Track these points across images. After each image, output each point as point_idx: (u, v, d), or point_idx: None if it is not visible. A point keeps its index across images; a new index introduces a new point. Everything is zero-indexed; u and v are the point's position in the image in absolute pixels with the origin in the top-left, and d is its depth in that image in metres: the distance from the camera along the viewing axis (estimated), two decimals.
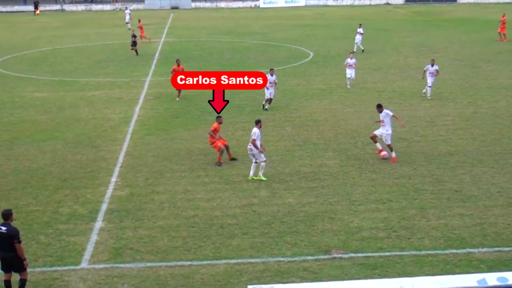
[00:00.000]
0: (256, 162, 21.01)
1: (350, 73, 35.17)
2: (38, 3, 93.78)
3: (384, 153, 22.70)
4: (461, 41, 53.69)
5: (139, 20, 58.49)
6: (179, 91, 32.35)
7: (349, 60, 34.96)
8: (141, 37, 55.01)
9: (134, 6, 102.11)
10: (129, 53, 49.93)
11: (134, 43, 48.49)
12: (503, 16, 53.69)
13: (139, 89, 36.02)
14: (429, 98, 31.88)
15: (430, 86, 32.02)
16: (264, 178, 20.84)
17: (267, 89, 29.81)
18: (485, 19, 67.75)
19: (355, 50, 46.85)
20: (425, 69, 32.35)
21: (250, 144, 20.97)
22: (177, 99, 32.55)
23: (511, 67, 41.22)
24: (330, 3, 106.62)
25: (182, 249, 16.23)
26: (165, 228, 17.48)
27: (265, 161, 21.00)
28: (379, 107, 23.10)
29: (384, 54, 47.71)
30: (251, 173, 21.07)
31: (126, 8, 72.87)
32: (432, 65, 31.91)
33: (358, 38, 49.10)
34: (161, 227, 17.52)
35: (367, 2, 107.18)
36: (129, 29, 66.09)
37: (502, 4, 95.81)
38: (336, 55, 46.42)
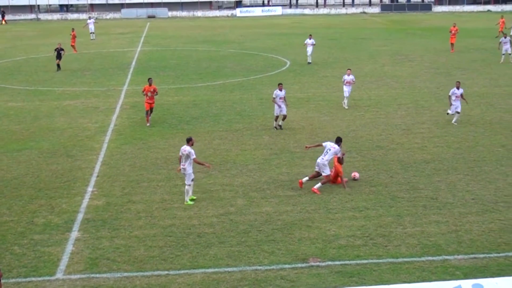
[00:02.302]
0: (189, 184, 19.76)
1: (347, 90, 32.25)
2: (4, 12, 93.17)
3: (354, 173, 22.11)
4: (436, 50, 54.20)
5: (73, 29, 57.49)
6: (148, 113, 29.50)
7: (346, 77, 32.26)
8: (72, 46, 54.86)
9: (111, 15, 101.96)
10: (105, 62, 49.77)
11: (59, 55, 45.68)
12: (454, 26, 53.84)
13: (116, 98, 35.85)
14: (456, 124, 28.82)
15: (458, 112, 28.78)
16: (191, 203, 19.69)
17: (278, 106, 28.11)
18: (460, 28, 68.32)
19: (309, 62, 47.12)
20: (450, 93, 28.95)
21: (183, 163, 19.57)
22: (148, 124, 29.36)
23: (485, 75, 41.66)
24: (307, 12, 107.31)
25: (159, 258, 16.13)
26: (141, 237, 17.36)
27: (190, 186, 19.67)
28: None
29: (361, 62, 47.98)
30: (188, 196, 19.92)
31: (90, 18, 71.80)
32: (458, 88, 28.66)
33: (310, 49, 47.64)
34: (138, 237, 17.40)
35: (344, 11, 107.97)
36: (92, 39, 65.79)
37: (476, 13, 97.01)
38: (313, 64, 46.63)
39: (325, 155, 20.87)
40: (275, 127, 28.39)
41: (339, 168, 21.13)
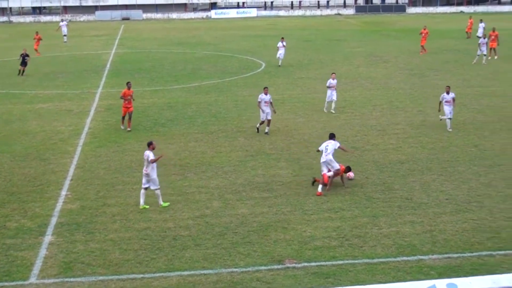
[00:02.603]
0: (145, 189, 19.47)
1: (331, 95, 31.50)
2: None
3: (349, 173, 21.89)
4: (410, 51, 54.55)
5: (37, 32, 56.88)
6: (124, 118, 28.95)
7: (331, 81, 31.41)
8: (35, 49, 54.45)
9: (85, 17, 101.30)
10: (79, 65, 49.42)
11: (23, 62, 44.08)
12: (424, 29, 54.00)
13: (90, 101, 35.60)
14: (450, 130, 27.90)
15: (450, 118, 27.92)
16: (166, 204, 19.57)
17: (263, 111, 27.52)
18: (433, 29, 68.88)
19: (279, 65, 46.79)
20: (440, 99, 28.18)
21: (145, 169, 19.32)
22: (128, 128, 28.69)
23: (458, 76, 42.03)
24: (282, 13, 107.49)
25: (134, 262, 16.02)
26: (116, 241, 17.24)
27: (159, 189, 19.54)
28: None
29: (335, 64, 48.14)
30: (142, 201, 19.54)
31: (62, 20, 70.99)
32: (448, 93, 27.81)
33: (281, 52, 47.09)
34: (113, 240, 17.27)
35: (318, 13, 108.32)
36: (65, 42, 65.24)
37: (449, 14, 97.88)
38: (288, 65, 46.66)
39: (326, 153, 20.93)
40: (257, 128, 28.11)
41: (342, 167, 21.19)
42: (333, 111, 31.47)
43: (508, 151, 24.75)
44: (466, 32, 64.20)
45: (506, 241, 16.80)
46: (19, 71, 44.28)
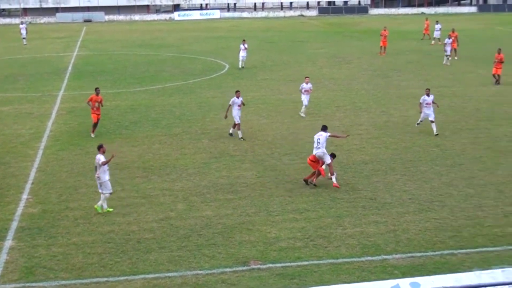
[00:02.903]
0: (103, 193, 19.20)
1: (305, 99, 31.01)
2: None
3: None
4: (373, 52, 54.99)
5: None
6: (95, 125, 28.10)
7: (304, 85, 30.95)
8: None
9: (45, 19, 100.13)
10: (40, 67, 48.81)
11: None
12: (384, 30, 54.25)
13: (51, 104, 35.16)
14: (437, 134, 27.26)
15: (433, 121, 27.41)
16: (110, 210, 19.16)
17: (236, 113, 27.09)
18: (395, 30, 69.67)
19: (242, 66, 46.56)
20: (421, 101, 27.77)
21: (97, 172, 19.09)
22: (92, 135, 27.85)
23: (420, 77, 42.50)
24: (245, 15, 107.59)
25: (98, 265, 15.85)
26: (80, 244, 17.04)
27: (110, 193, 19.25)
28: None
29: (299, 65, 48.31)
30: (104, 205, 19.24)
31: (22, 23, 69.85)
32: (428, 95, 27.45)
33: (243, 54, 46.80)
34: (76, 244, 17.07)
35: (281, 14, 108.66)
36: (25, 44, 64.34)
37: (411, 15, 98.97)
38: (252, 67, 46.68)
39: (318, 145, 21.12)
40: (230, 134, 27.53)
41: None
42: (303, 115, 31.11)
43: (468, 151, 25.10)
44: (424, 34, 64.94)
45: (467, 239, 17.02)
46: None
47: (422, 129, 28.43)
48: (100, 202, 19.24)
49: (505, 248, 16.49)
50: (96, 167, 19.25)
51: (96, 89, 28.49)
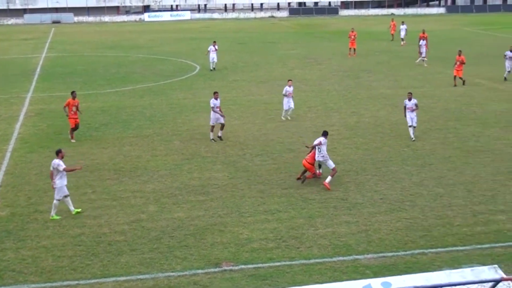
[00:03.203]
0: (66, 196, 18.96)
1: (288, 103, 30.54)
2: None
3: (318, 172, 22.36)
4: (343, 53, 55.27)
5: None
6: (73, 130, 27.55)
7: (288, 88, 30.39)
8: None
9: (13, 20, 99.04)
10: (7, 69, 48.24)
11: None
12: (352, 31, 54.26)
13: (19, 106, 34.76)
14: (413, 139, 26.74)
15: (413, 126, 26.91)
16: (57, 217, 18.76)
17: (220, 115, 27.09)
18: (365, 31, 70.17)
19: (214, 68, 46.21)
20: (404, 104, 27.19)
21: (55, 178, 18.77)
22: (73, 140, 27.24)
23: (390, 77, 42.81)
24: (216, 16, 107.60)
25: (68, 268, 15.70)
26: (49, 247, 16.86)
27: (58, 201, 18.79)
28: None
29: (270, 66, 48.41)
30: (71, 208, 19.06)
31: None
32: (410, 99, 26.83)
33: (213, 56, 46.45)
34: (46, 247, 16.88)
35: (252, 15, 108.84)
36: None
37: (381, 17, 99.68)
38: (223, 68, 46.63)
39: (319, 151, 21.32)
40: (213, 140, 27.05)
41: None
42: (289, 118, 30.69)
43: (438, 151, 25.34)
44: (392, 34, 65.45)
45: (437, 239, 17.18)
46: None
47: (393, 129, 28.66)
48: (72, 207, 19.02)
49: (474, 247, 16.67)
50: (52, 172, 18.87)
51: (73, 92, 27.92)
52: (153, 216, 18.89)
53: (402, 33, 61.19)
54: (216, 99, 27.25)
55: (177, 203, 19.93)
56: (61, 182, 18.81)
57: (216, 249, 16.68)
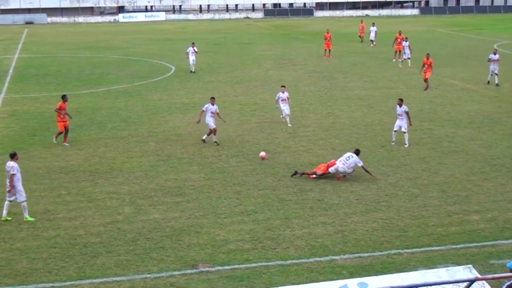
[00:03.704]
0: (10, 201, 18.60)
1: (285, 108, 29.70)
2: None
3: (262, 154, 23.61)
4: (319, 54, 55.43)
5: None
6: (64, 134, 26.89)
7: (281, 95, 29.67)
8: None
9: None
10: None
11: None
12: (327, 33, 54.19)
13: None
14: (407, 145, 26.14)
15: (405, 132, 26.28)
16: (31, 219, 18.52)
17: (210, 119, 26.55)
18: (340, 32, 70.46)
19: (193, 71, 45.54)
20: (398, 112, 26.45)
21: (10, 182, 18.42)
22: (66, 144, 26.58)
23: (365, 78, 43.04)
24: (191, 17, 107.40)
25: (43, 270, 15.55)
26: (23, 250, 16.69)
27: (25, 201, 18.59)
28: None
29: (245, 67, 48.42)
30: (4, 213, 18.65)
31: None
32: (400, 106, 26.23)
33: (193, 58, 45.74)
34: (20, 249, 16.71)
35: (227, 16, 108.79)
36: None
37: (355, 18, 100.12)
38: (198, 69, 46.49)
39: (345, 165, 21.98)
40: (203, 140, 26.72)
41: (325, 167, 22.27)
42: (289, 125, 29.63)
43: (413, 151, 25.51)
44: (359, 36, 65.60)
45: (413, 239, 17.30)
46: None
47: (368, 129, 28.82)
48: (26, 214, 18.67)
49: (449, 247, 16.81)
50: (7, 175, 18.57)
51: (64, 96, 27.34)
52: (129, 218, 18.79)
53: (372, 35, 61.40)
54: (212, 104, 26.67)
55: (153, 205, 19.85)
56: (18, 184, 18.51)
57: (192, 250, 16.64)
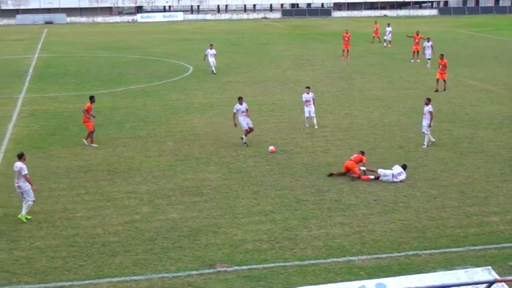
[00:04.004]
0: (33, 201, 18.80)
1: (308, 110, 29.22)
2: None
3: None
4: (336, 54, 55.31)
5: None
6: (92, 133, 26.79)
7: (306, 95, 29.23)
8: None
9: (5, 21, 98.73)
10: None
11: None
12: (346, 33, 54.06)
13: (12, 107, 34.64)
14: (424, 146, 26.06)
15: (425, 132, 26.11)
16: (29, 217, 18.64)
17: (240, 122, 26.36)
18: (357, 33, 70.19)
19: (214, 72, 45.30)
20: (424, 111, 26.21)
21: (17, 181, 18.57)
22: (95, 145, 26.56)
23: (383, 79, 42.88)
24: (209, 17, 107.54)
25: (62, 269, 15.67)
26: (43, 248, 16.82)
27: (33, 201, 18.72)
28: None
29: (263, 67, 48.42)
30: (24, 213, 18.68)
31: None
32: (427, 104, 25.99)
33: (213, 59, 45.50)
34: (39, 248, 16.84)
35: (245, 17, 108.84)
36: None
37: (373, 18, 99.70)
38: (216, 69, 46.54)
39: (397, 178, 21.97)
40: (244, 142, 26.43)
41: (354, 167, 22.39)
42: (316, 126, 29.28)
43: (431, 152, 25.39)
44: (373, 37, 65.26)
45: (431, 240, 17.22)
46: None
47: (386, 130, 28.71)
48: (24, 212, 18.71)
49: (467, 248, 16.72)
50: (16, 174, 18.66)
51: (92, 97, 27.30)
52: (147, 217, 18.87)
53: (388, 36, 61.11)
54: (241, 103, 26.40)
55: (171, 204, 19.92)
56: (25, 185, 18.56)
57: (210, 250, 16.68)
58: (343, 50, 53.72)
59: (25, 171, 18.53)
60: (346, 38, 53.34)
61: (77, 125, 30.01)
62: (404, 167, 22.38)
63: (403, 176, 21.97)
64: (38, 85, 41.17)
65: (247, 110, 26.66)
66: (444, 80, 38.19)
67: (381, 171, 22.15)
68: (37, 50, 61.72)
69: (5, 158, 25.04)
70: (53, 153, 25.57)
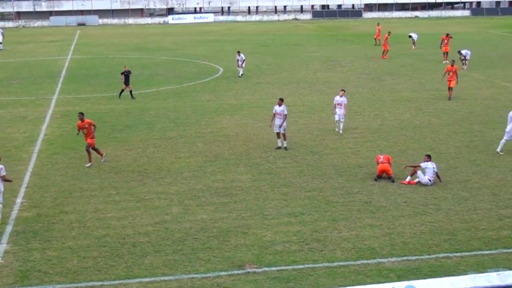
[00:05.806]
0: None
1: (338, 114, 28.42)
2: None
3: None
4: (367, 55, 55.11)
5: None
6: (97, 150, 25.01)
7: (338, 98, 28.38)
8: None
9: (39, 23, 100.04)
10: (33, 71, 48.76)
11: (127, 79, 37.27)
12: (388, 34, 53.96)
13: (45, 107, 35.10)
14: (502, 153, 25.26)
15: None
16: None
17: (276, 121, 25.81)
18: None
19: (242, 74, 44.91)
20: None
21: None
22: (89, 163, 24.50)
23: (413, 80, 42.59)
24: (239, 19, 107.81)
25: (93, 269, 15.81)
26: (75, 248, 16.99)
27: (1, 203, 18.60)
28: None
29: (293, 68, 48.38)
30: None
31: None
32: None
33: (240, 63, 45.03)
34: (71, 248, 17.02)
35: (276, 18, 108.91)
36: (1, 49, 63.79)
37: (404, 19, 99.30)
38: (246, 71, 46.60)
39: (429, 175, 21.79)
40: (279, 147, 26.11)
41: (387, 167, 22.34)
42: (341, 131, 28.63)
43: (463, 154, 25.16)
44: (375, 39, 64.09)
45: (462, 243, 17.05)
46: (122, 90, 37.72)
47: (416, 132, 28.51)
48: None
49: (500, 251, 16.52)
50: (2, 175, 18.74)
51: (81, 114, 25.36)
52: (176, 218, 18.96)
53: (414, 37, 61.15)
54: (279, 105, 25.75)
55: (200, 205, 19.99)
56: (1, 186, 18.67)
57: (239, 251, 16.70)
58: (383, 50, 53.79)
59: (4, 172, 18.68)
60: (386, 39, 53.48)
61: (108, 126, 30.33)
62: (429, 157, 22.22)
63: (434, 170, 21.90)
64: (71, 86, 41.63)
65: (282, 113, 25.74)
66: (451, 88, 36.05)
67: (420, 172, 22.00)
68: (70, 51, 62.42)
69: (39, 158, 25.36)
70: (84, 154, 25.75)
